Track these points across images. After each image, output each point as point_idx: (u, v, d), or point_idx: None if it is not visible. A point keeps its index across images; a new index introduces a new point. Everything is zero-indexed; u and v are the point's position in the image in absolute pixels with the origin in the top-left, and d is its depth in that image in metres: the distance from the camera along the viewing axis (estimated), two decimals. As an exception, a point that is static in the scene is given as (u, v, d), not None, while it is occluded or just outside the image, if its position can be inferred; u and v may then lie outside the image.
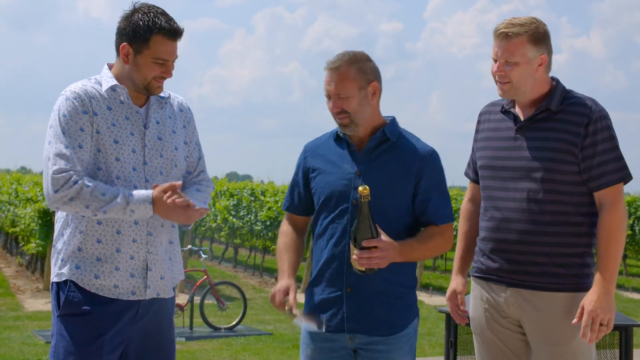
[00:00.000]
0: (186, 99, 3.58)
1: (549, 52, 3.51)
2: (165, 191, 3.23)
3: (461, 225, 3.79)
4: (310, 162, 3.54)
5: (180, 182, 3.28)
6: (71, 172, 3.18)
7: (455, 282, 3.75)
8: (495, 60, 3.49)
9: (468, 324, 3.76)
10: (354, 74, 3.37)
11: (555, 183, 3.43)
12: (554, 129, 3.45)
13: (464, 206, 3.79)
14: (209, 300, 10.64)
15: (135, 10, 3.32)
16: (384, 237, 3.24)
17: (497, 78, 3.49)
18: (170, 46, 3.30)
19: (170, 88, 3.44)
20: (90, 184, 3.17)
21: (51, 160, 3.21)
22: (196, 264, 14.69)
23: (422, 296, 13.52)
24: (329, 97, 3.41)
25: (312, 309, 3.44)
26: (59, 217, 3.38)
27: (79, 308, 3.27)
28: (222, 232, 17.96)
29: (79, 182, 3.17)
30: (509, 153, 3.53)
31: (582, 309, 3.34)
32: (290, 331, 10.03)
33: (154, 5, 3.33)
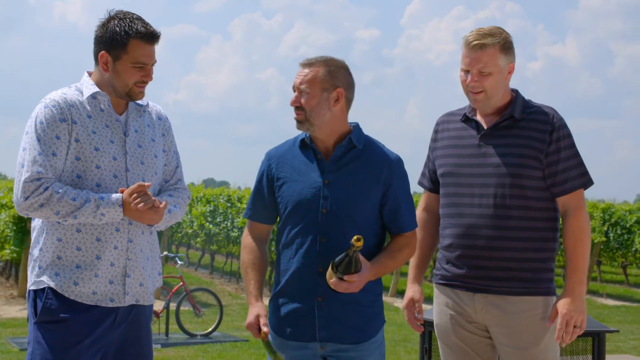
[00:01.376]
0: (163, 104, 3.59)
1: (514, 60, 3.56)
2: (132, 193, 3.23)
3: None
4: (275, 170, 3.46)
5: (150, 183, 3.27)
6: (42, 179, 3.18)
7: (411, 290, 3.78)
8: (467, 71, 3.52)
9: (432, 331, 3.78)
10: (322, 74, 3.36)
11: (523, 188, 3.48)
12: (519, 136, 3.52)
13: (418, 215, 3.73)
14: (185, 307, 10.60)
15: (110, 18, 3.32)
16: (364, 267, 3.24)
17: (470, 88, 3.52)
18: (148, 50, 3.31)
19: (147, 93, 3.43)
20: (60, 190, 3.17)
21: (24, 167, 3.21)
22: (172, 270, 14.63)
23: (397, 303, 13.56)
24: (293, 90, 3.40)
25: (280, 320, 3.41)
26: (35, 225, 3.38)
27: (57, 315, 3.27)
28: (199, 239, 17.92)
29: (49, 188, 3.17)
30: (474, 160, 3.57)
31: (556, 311, 3.41)
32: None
33: (129, 12, 3.34)
